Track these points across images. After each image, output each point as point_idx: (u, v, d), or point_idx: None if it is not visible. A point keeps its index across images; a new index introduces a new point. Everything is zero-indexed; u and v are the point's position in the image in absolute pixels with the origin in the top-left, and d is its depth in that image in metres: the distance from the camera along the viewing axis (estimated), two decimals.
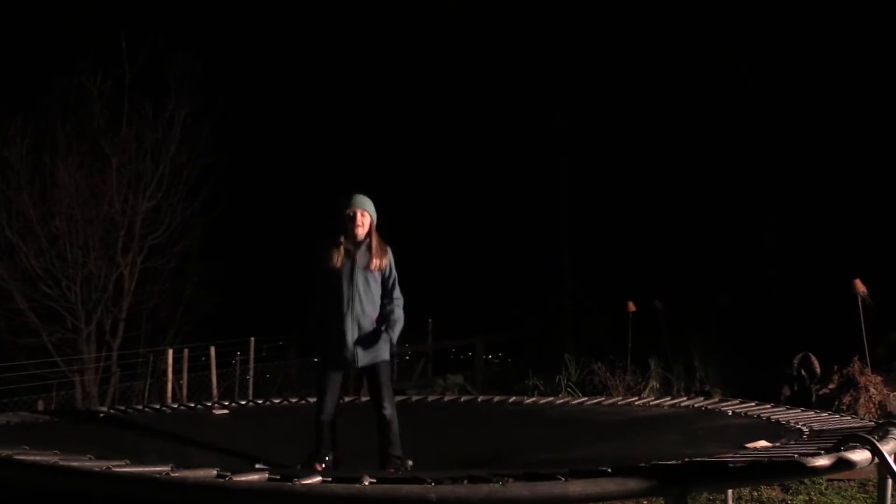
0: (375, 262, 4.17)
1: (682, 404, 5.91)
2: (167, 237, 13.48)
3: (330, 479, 2.71)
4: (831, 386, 8.06)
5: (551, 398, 6.86)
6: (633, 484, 2.64)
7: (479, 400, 6.73)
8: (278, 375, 12.83)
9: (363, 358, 4.14)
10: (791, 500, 5.44)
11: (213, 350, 10.48)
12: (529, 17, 17.54)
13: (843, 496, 5.46)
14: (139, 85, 13.26)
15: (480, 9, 17.77)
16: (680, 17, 15.68)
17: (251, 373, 11.49)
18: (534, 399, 6.71)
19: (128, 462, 2.77)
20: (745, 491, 5.45)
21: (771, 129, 15.32)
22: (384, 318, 4.20)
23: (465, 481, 2.69)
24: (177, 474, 2.53)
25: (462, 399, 6.92)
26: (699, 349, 9.71)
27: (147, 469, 2.67)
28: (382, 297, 4.24)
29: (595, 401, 6.35)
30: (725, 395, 7.84)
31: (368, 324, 4.15)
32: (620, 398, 6.72)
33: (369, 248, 4.19)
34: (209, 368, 10.48)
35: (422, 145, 19.40)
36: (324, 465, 4.12)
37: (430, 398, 6.85)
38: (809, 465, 2.91)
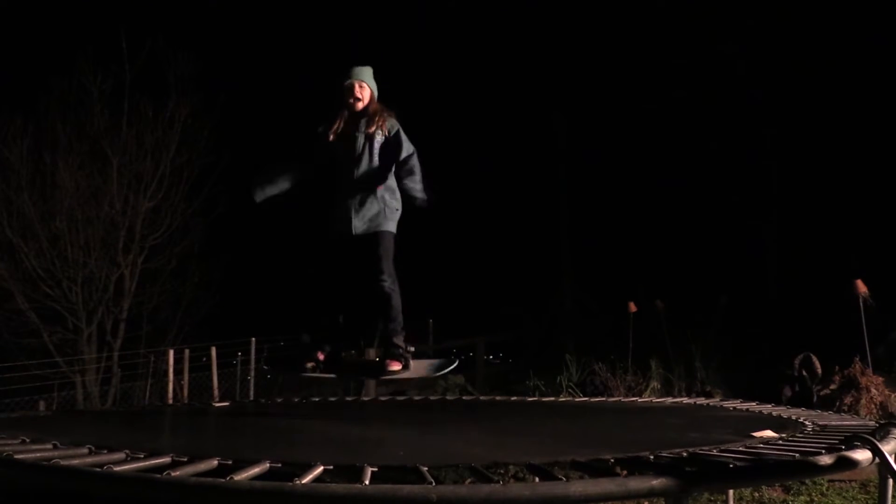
0: (375, 127, 4.00)
1: (683, 403, 5.91)
2: (168, 237, 13.49)
3: (329, 478, 2.71)
4: (832, 386, 8.05)
5: (552, 398, 6.86)
6: (633, 484, 2.64)
7: (481, 400, 6.73)
8: (279, 376, 12.81)
9: (359, 226, 3.94)
10: (792, 500, 5.44)
11: (213, 350, 10.48)
12: (531, 17, 17.54)
13: (844, 497, 5.45)
14: (139, 85, 13.28)
15: (481, 9, 17.78)
16: (680, 16, 15.68)
17: (252, 373, 11.49)
18: (535, 399, 6.71)
19: (127, 459, 2.76)
20: (747, 491, 5.45)
21: (771, 128, 15.32)
22: (402, 190, 4.01)
23: (467, 481, 2.69)
24: (177, 475, 2.53)
25: (463, 399, 6.92)
26: (700, 349, 9.71)
27: (145, 465, 2.67)
28: (396, 168, 4.04)
29: (596, 401, 6.35)
30: (726, 396, 7.84)
31: (373, 194, 3.97)
32: (621, 398, 6.72)
33: (370, 116, 4.04)
34: (210, 369, 10.49)
35: (423, 145, 19.38)
36: (323, 354, 3.93)
37: (432, 398, 6.85)
38: (811, 465, 2.91)
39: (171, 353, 10.34)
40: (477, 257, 18.92)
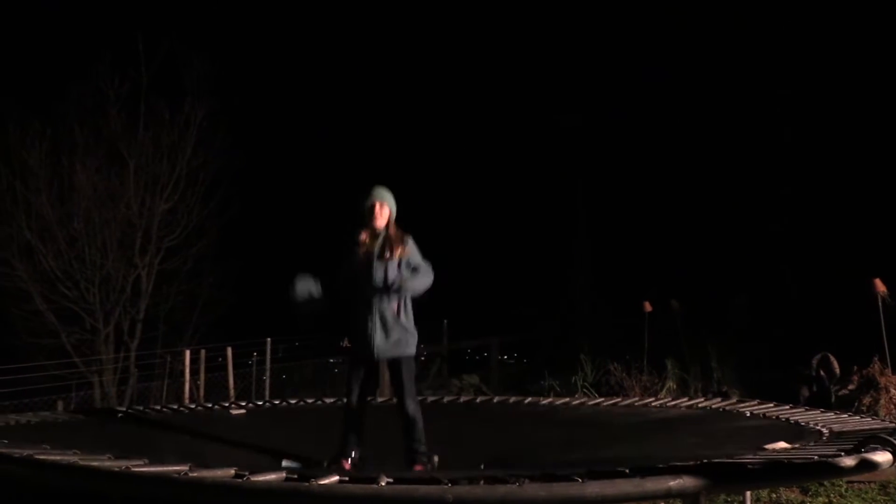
0: (396, 252, 4.18)
1: (700, 405, 5.87)
2: (184, 239, 13.55)
3: (347, 478, 2.72)
4: (851, 387, 7.97)
5: (567, 399, 6.84)
6: (649, 485, 2.63)
7: (495, 401, 6.72)
8: (295, 376, 12.87)
9: (385, 351, 4.16)
10: (810, 502, 5.39)
11: (229, 351, 10.52)
12: (548, 14, 17.52)
13: (863, 498, 5.39)
14: (155, 88, 13.37)
15: (499, 8, 17.78)
16: (694, 13, 15.59)
17: (268, 373, 11.53)
18: (550, 400, 6.69)
19: (146, 462, 2.78)
20: (764, 493, 5.40)
21: (788, 126, 15.21)
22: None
23: (482, 482, 2.69)
24: (195, 474, 2.55)
25: (478, 400, 6.91)
26: (716, 350, 9.64)
27: (165, 469, 2.69)
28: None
29: (611, 401, 6.32)
30: (743, 396, 7.78)
31: (391, 316, 4.16)
32: (637, 399, 6.69)
33: (388, 238, 4.22)
34: (226, 369, 10.53)
35: (437, 146, 19.41)
36: (350, 462, 4.13)
37: (446, 399, 6.85)
38: (830, 466, 2.89)
39: (188, 353, 10.39)
40: (491, 257, 18.90)
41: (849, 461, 2.90)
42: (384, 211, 4.25)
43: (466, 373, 12.90)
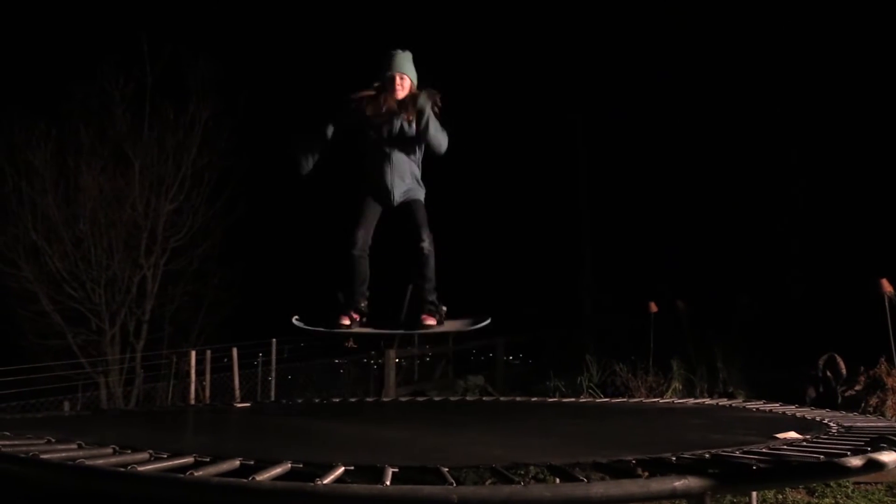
0: (412, 115, 4.31)
1: (706, 404, 5.86)
2: (189, 239, 13.59)
3: (351, 478, 2.72)
4: (857, 387, 7.94)
5: (573, 399, 6.84)
6: (655, 485, 2.62)
7: (501, 401, 6.72)
8: (300, 376, 12.90)
9: (399, 197, 4.33)
10: (817, 502, 5.38)
11: (235, 351, 10.54)
12: (551, 11, 17.50)
13: (869, 499, 5.38)
14: (160, 89, 13.40)
15: (504, 8, 17.78)
16: (701, 11, 15.56)
17: (273, 374, 11.55)
18: (555, 400, 6.69)
19: (151, 462, 2.79)
20: (770, 493, 5.39)
21: (793, 125, 15.17)
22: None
23: (487, 482, 2.69)
24: (199, 474, 2.55)
25: (483, 400, 6.91)
26: (722, 350, 9.61)
27: (169, 469, 2.69)
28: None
29: (617, 401, 6.31)
30: (749, 397, 7.76)
31: (408, 173, 4.38)
32: (643, 399, 6.68)
33: (410, 104, 4.34)
34: (231, 370, 10.55)
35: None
36: (359, 313, 4.16)
37: (452, 399, 6.85)
38: (837, 466, 2.87)
39: (193, 353, 10.42)
40: (496, 257, 18.89)
41: (855, 461, 2.89)
42: (405, 82, 4.36)
43: (472, 373, 12.89)
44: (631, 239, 16.85)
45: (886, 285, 7.94)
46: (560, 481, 2.73)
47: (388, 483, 2.59)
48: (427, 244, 4.22)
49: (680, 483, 2.63)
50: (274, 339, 11.53)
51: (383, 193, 4.34)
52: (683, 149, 16.20)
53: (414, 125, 4.31)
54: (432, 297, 4.17)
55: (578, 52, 17.12)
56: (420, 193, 4.43)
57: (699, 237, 15.42)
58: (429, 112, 4.28)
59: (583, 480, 2.64)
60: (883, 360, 7.83)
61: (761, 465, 2.93)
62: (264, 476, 2.56)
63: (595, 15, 16.83)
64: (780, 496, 5.43)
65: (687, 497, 2.81)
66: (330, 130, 4.48)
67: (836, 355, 8.37)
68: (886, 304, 7.79)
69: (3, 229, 12.55)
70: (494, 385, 12.18)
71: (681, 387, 9.15)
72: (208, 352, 10.75)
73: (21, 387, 10.33)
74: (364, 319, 4.20)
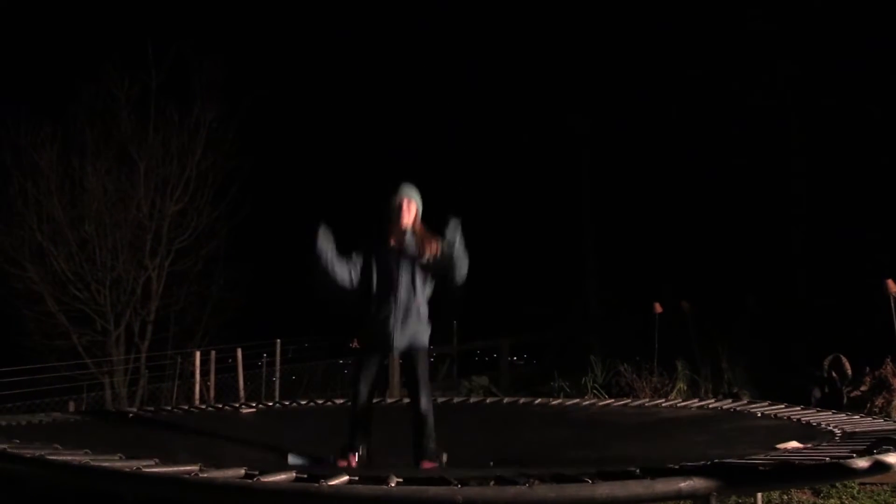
0: (430, 250, 4.20)
1: (710, 406, 5.85)
2: (194, 240, 13.61)
3: (357, 477, 2.72)
4: (863, 388, 7.90)
5: (577, 400, 6.83)
6: (660, 486, 2.62)
7: (505, 402, 6.71)
8: (304, 377, 12.90)
9: (402, 343, 4.17)
10: (822, 503, 5.36)
11: (239, 352, 10.55)
12: (553, 15, 17.49)
13: (875, 500, 5.35)
14: (165, 90, 13.43)
15: (504, 9, 17.77)
16: (705, 13, 15.53)
17: (277, 374, 11.56)
18: (560, 401, 6.67)
19: (157, 462, 2.79)
20: (775, 494, 5.37)
21: (798, 124, 15.13)
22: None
23: (492, 483, 2.69)
24: (205, 475, 2.55)
25: (488, 401, 6.91)
26: (727, 350, 9.59)
27: (175, 469, 2.70)
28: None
29: (622, 402, 6.30)
30: (754, 398, 7.74)
31: (413, 311, 4.20)
32: (647, 400, 6.66)
33: (416, 236, 4.25)
34: (236, 370, 10.56)
35: (445, 147, 19.41)
36: (357, 458, 4.13)
37: (456, 400, 6.84)
38: (843, 467, 2.87)
39: (198, 354, 10.43)
40: (501, 258, 18.87)
41: (861, 462, 2.88)
42: (412, 208, 4.27)
43: (476, 374, 12.88)
44: (636, 239, 16.81)
45: (892, 286, 7.90)
46: (564, 483, 2.73)
47: (393, 484, 2.59)
48: (425, 405, 4.11)
49: (685, 484, 2.62)
50: (278, 340, 11.54)
51: (384, 339, 4.17)
52: (688, 149, 16.17)
53: (428, 257, 4.19)
54: (432, 445, 4.07)
55: (582, 53, 17.10)
56: (426, 338, 4.25)
57: (704, 237, 15.38)
58: (458, 240, 4.14)
59: (587, 481, 2.63)
60: (889, 360, 7.80)
61: (767, 467, 2.93)
62: (270, 476, 2.57)
63: (599, 16, 16.82)
64: (786, 497, 5.41)
65: (692, 498, 2.81)
66: (351, 272, 4.28)
67: (841, 356, 8.33)
68: (892, 304, 7.76)
69: (8, 230, 12.58)
70: (499, 386, 12.17)
71: (685, 387, 9.13)
72: (213, 352, 10.76)
73: (26, 387, 10.35)
74: (364, 461, 4.16)
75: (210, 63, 13.61)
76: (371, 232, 4.31)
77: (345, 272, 4.21)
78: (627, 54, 16.75)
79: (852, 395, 7.91)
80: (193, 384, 10.18)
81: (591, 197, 17.95)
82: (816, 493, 5.48)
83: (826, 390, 8.15)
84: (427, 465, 3.99)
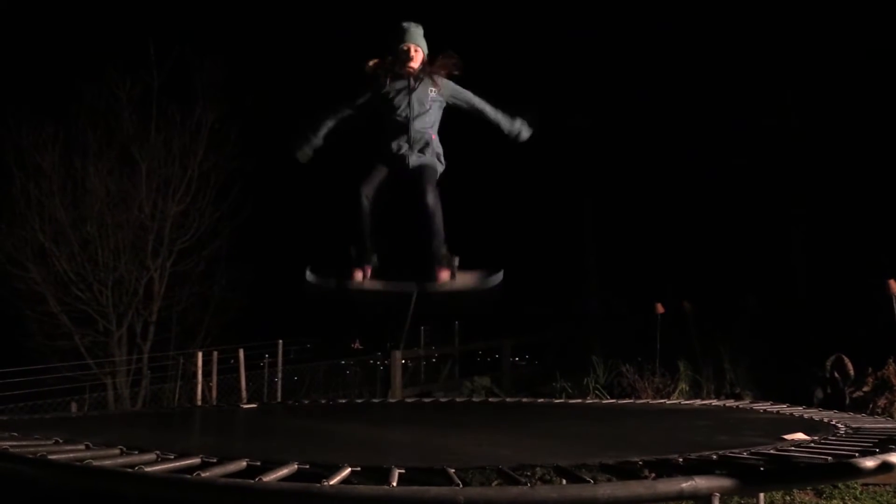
0: (431, 85, 4.41)
1: (713, 406, 5.84)
2: (196, 241, 13.61)
3: (359, 468, 2.72)
4: (865, 388, 7.90)
5: (580, 400, 6.83)
6: (661, 487, 2.62)
7: (507, 402, 6.71)
8: (306, 377, 12.91)
9: (415, 161, 4.37)
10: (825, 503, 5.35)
11: (241, 353, 10.56)
12: (553, 15, 17.49)
13: (878, 500, 5.35)
14: (167, 91, 13.42)
15: (509, 11, 17.77)
16: (704, 17, 15.53)
17: (279, 375, 11.57)
18: (562, 401, 6.68)
19: (158, 462, 2.80)
20: (778, 494, 5.37)
21: (801, 126, 15.12)
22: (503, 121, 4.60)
23: (494, 483, 2.69)
24: (206, 475, 2.55)
25: (489, 401, 6.91)
26: (729, 351, 9.59)
27: (177, 470, 2.70)
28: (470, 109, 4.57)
29: (624, 402, 6.30)
30: (756, 398, 7.74)
31: (426, 145, 4.42)
32: (649, 400, 6.66)
33: (426, 74, 4.43)
34: (238, 371, 10.57)
35: (448, 147, 19.40)
36: (370, 269, 4.14)
37: (458, 400, 6.85)
38: (845, 468, 2.86)
39: (200, 355, 10.44)
40: (502, 258, 18.83)
41: (864, 463, 2.88)
42: (418, 55, 4.40)
43: (478, 374, 12.89)
44: (637, 239, 16.81)
45: (894, 286, 7.90)
46: (566, 482, 2.73)
47: (394, 484, 2.59)
48: (431, 198, 4.23)
49: (687, 484, 2.62)
50: (280, 341, 11.55)
51: (398, 159, 4.38)
52: (689, 149, 16.16)
53: (436, 96, 4.41)
54: (442, 250, 4.16)
55: (584, 55, 17.10)
56: (435, 161, 4.48)
57: (706, 237, 15.38)
58: (452, 85, 4.45)
59: (589, 482, 2.63)
60: (891, 361, 7.80)
61: (769, 467, 2.92)
62: (271, 477, 2.56)
63: (601, 18, 16.81)
64: (788, 497, 5.41)
65: (694, 498, 2.80)
66: (347, 108, 4.59)
67: (843, 356, 8.33)
68: (894, 304, 7.75)
69: (10, 231, 12.59)
70: (501, 386, 12.18)
71: (688, 388, 9.13)
72: (215, 353, 10.77)
73: (29, 387, 10.36)
74: (374, 272, 4.20)
75: (212, 63, 13.61)
76: (378, 72, 4.48)
77: (332, 122, 4.65)
78: (629, 54, 16.75)
79: (855, 395, 7.91)
80: (195, 385, 10.20)
81: (592, 197, 17.95)
82: (819, 494, 5.48)
83: (828, 391, 8.15)
84: (442, 272, 4.02)
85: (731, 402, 6.09)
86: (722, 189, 15.57)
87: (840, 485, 5.47)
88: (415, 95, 4.43)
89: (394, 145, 4.41)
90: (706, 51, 15.51)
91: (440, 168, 4.49)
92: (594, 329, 15.24)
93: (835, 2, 14.18)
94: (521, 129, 4.44)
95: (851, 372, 8.20)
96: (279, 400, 10.69)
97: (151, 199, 13.18)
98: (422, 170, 4.40)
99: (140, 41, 13.41)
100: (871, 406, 7.43)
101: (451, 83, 4.52)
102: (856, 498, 5.40)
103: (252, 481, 2.49)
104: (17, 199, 12.65)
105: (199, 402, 9.39)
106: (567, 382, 10.00)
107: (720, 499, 2.76)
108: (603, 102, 17.11)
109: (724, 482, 2.72)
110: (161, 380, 12.36)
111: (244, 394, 10.44)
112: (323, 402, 6.73)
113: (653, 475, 2.78)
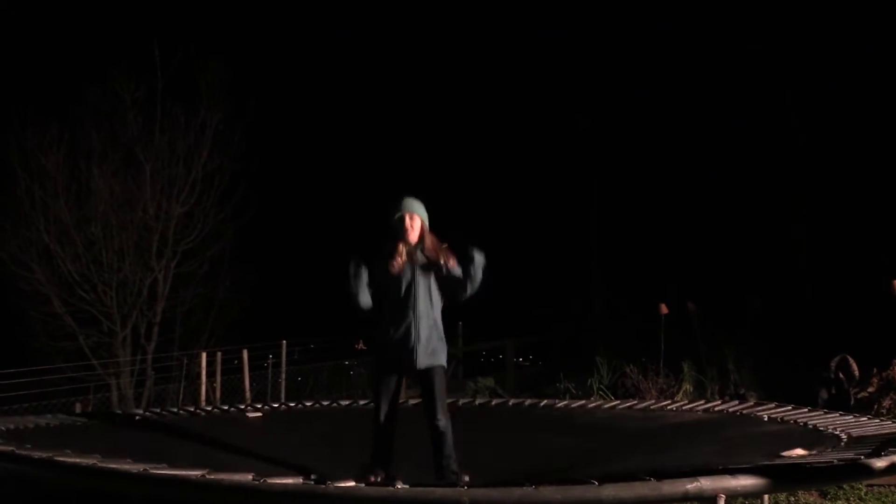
0: (445, 258, 4.13)
1: (716, 409, 5.83)
2: (200, 242, 13.62)
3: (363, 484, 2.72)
4: (870, 389, 7.88)
5: (583, 401, 6.82)
6: (666, 488, 2.61)
7: (511, 403, 6.70)
8: (310, 378, 12.92)
9: (423, 360, 4.06)
10: None
11: (245, 353, 10.57)
12: (565, 14, 17.50)
13: (883, 501, 5.33)
14: (171, 92, 13.44)
15: (509, 10, 17.78)
16: (710, 13, 15.51)
17: (283, 375, 11.57)
18: (566, 402, 6.67)
19: (164, 465, 2.80)
20: (782, 496, 5.36)
21: (803, 126, 15.09)
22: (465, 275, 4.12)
23: (498, 485, 2.69)
24: (213, 477, 2.56)
25: (493, 402, 6.90)
26: (733, 352, 9.57)
27: (183, 472, 2.70)
28: (454, 285, 4.18)
29: (628, 404, 6.29)
30: (760, 399, 7.72)
31: (433, 328, 4.12)
32: (653, 401, 6.65)
33: (424, 249, 4.16)
34: (242, 371, 10.58)
35: (450, 148, 19.42)
36: (378, 479, 4.01)
37: (462, 401, 6.84)
38: (851, 469, 2.86)
39: (204, 355, 10.45)
40: (505, 259, 18.83)
41: (869, 464, 2.88)
42: (415, 223, 4.15)
43: (482, 375, 12.87)
44: (641, 240, 16.78)
45: None
46: (571, 484, 2.73)
47: (399, 485, 2.59)
48: (443, 422, 3.99)
49: (692, 486, 2.62)
50: (284, 341, 11.56)
51: (406, 355, 4.06)
52: (694, 149, 16.14)
53: (443, 269, 4.13)
54: (453, 466, 3.92)
55: (588, 53, 17.09)
56: (443, 356, 4.16)
57: (710, 238, 15.35)
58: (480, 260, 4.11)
59: (594, 483, 2.63)
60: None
61: (775, 469, 2.92)
62: (277, 479, 2.57)
63: (607, 16, 16.81)
64: (792, 498, 5.40)
65: (699, 500, 2.80)
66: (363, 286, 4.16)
67: (848, 357, 8.30)
68: None
69: (15, 232, 12.62)
70: (504, 387, 12.15)
71: (691, 389, 9.11)
72: (219, 354, 10.78)
73: (33, 388, 10.38)
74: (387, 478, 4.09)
75: (216, 65, 13.63)
76: (379, 250, 4.19)
77: (368, 297, 4.14)
78: (633, 54, 16.74)
79: (859, 396, 7.89)
80: (199, 385, 10.21)
81: (597, 198, 17.93)
82: (823, 495, 5.46)
83: (833, 391, 8.13)
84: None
85: (734, 404, 6.08)
86: (726, 190, 15.55)
87: (845, 486, 5.46)
88: (419, 275, 4.13)
89: (398, 335, 4.08)
90: (706, 51, 15.50)
91: (445, 356, 4.18)
92: (598, 330, 15.22)
93: (835, 2, 14.16)
94: (479, 263, 4.09)
95: (856, 373, 8.18)
96: (283, 401, 10.69)
97: (156, 200, 13.20)
98: (432, 376, 4.09)
99: (144, 43, 13.46)
100: (875, 407, 7.42)
101: (445, 251, 4.20)
102: (860, 499, 5.39)
103: (257, 482, 2.50)
104: (21, 201, 12.68)
105: (204, 403, 9.39)
106: (571, 383, 9.98)
107: (725, 500, 2.75)
108: (606, 103, 17.11)
109: (729, 483, 2.71)
110: (165, 380, 12.38)
111: (248, 394, 10.45)
112: (326, 403, 6.73)
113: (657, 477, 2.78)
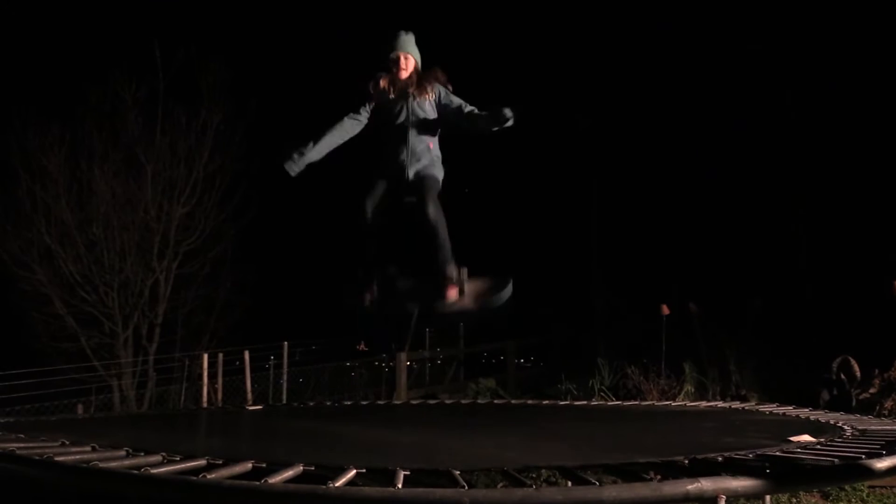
0: (423, 93, 4.39)
1: (718, 407, 5.83)
2: (201, 243, 13.63)
3: (364, 469, 2.72)
4: (872, 390, 7.88)
5: (585, 402, 6.82)
6: (667, 489, 2.61)
7: (512, 404, 6.71)
8: (312, 379, 12.93)
9: (413, 172, 4.33)
10: None
11: (246, 354, 10.59)
12: (565, 14, 17.50)
13: (884, 503, 5.33)
14: (172, 93, 13.45)
15: (509, 10, 17.78)
16: (708, 14, 15.51)
17: (285, 377, 11.58)
18: (567, 403, 6.67)
19: (164, 464, 2.80)
20: (784, 496, 5.35)
21: (804, 126, 15.09)
22: (479, 117, 4.42)
23: (499, 485, 2.69)
24: (212, 476, 2.56)
25: (494, 403, 6.90)
26: (734, 352, 9.56)
27: (182, 472, 2.70)
28: (458, 118, 4.46)
29: (629, 403, 6.29)
30: (762, 400, 7.72)
31: (423, 149, 4.39)
32: (655, 402, 6.65)
33: (418, 82, 4.42)
34: (243, 373, 10.59)
35: (449, 148, 19.40)
36: (372, 292, 4.11)
37: (463, 401, 6.85)
38: (853, 470, 2.85)
39: (206, 356, 10.47)
40: (507, 259, 18.85)
41: (871, 465, 2.87)
42: (409, 62, 4.44)
43: (483, 376, 12.87)
44: (641, 240, 16.78)
45: None
46: (572, 485, 2.73)
47: (399, 486, 2.59)
48: (432, 210, 4.16)
49: (693, 486, 2.62)
50: (286, 342, 11.57)
51: (397, 171, 4.34)
52: (694, 149, 16.13)
53: (431, 103, 4.39)
54: (450, 269, 4.08)
55: (589, 54, 17.09)
56: (436, 170, 4.42)
57: (711, 238, 15.34)
58: (444, 90, 4.41)
59: (595, 484, 2.63)
60: None
61: (777, 469, 2.91)
62: (276, 479, 2.57)
63: (607, 18, 16.81)
64: (794, 499, 5.39)
65: (700, 501, 2.80)
66: (349, 124, 4.56)
67: (849, 358, 8.30)
68: None
69: (17, 233, 12.64)
70: (506, 388, 12.16)
71: (693, 389, 9.11)
72: (220, 355, 10.79)
73: (34, 389, 10.39)
74: (381, 291, 4.17)
75: (217, 65, 13.64)
76: (372, 85, 4.47)
77: (339, 136, 4.53)
78: (633, 54, 16.74)
79: (861, 397, 7.89)
80: (201, 387, 10.22)
81: (597, 198, 17.92)
82: (825, 496, 5.46)
83: (835, 392, 8.13)
84: (451, 291, 3.97)
85: (736, 404, 6.07)
86: (727, 190, 15.54)
87: (847, 487, 5.45)
88: (411, 103, 4.42)
89: (392, 156, 4.40)
90: (706, 51, 15.49)
91: (440, 175, 4.46)
92: (599, 330, 15.22)
93: (835, 2, 14.15)
94: (508, 116, 4.29)
95: (858, 374, 8.17)
96: (284, 401, 10.71)
97: (157, 201, 13.21)
98: (422, 181, 4.35)
99: (145, 43, 13.46)
100: (877, 408, 7.42)
101: (443, 89, 4.50)
102: (862, 500, 5.39)
103: (258, 483, 2.50)
104: (23, 201, 12.70)
105: (205, 404, 9.41)
106: (572, 384, 9.99)
107: (726, 501, 2.75)
108: (606, 103, 17.10)
109: (730, 484, 2.71)
110: (167, 381, 12.39)
111: (250, 395, 10.46)
112: (328, 403, 6.73)
113: (658, 477, 2.78)
